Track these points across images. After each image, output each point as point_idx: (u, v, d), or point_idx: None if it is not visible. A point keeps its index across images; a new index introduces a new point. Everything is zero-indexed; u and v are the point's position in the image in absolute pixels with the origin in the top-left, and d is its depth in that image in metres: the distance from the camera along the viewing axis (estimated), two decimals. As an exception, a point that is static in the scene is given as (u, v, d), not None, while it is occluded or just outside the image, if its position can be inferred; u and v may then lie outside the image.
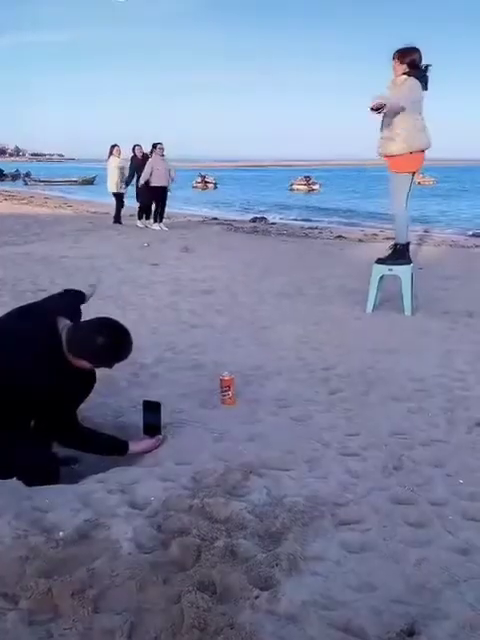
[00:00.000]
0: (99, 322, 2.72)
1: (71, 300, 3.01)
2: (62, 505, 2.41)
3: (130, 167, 13.96)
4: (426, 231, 17.17)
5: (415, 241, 11.71)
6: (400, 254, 5.84)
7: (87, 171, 53.57)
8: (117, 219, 14.42)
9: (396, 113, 5.46)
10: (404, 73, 5.51)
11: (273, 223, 18.88)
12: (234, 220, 18.92)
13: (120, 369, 4.12)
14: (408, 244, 5.89)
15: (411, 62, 5.50)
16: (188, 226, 15.06)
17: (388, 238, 14.37)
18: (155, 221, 13.80)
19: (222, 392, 3.64)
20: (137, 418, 3.35)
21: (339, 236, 14.73)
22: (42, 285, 6.79)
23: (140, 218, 14.12)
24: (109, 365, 2.76)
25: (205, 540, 2.18)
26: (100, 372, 2.83)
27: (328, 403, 3.64)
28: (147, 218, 14.04)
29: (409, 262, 5.87)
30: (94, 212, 19.31)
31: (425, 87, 5.56)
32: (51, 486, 2.58)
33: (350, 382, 4.00)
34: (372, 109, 5.16)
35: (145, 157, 13.69)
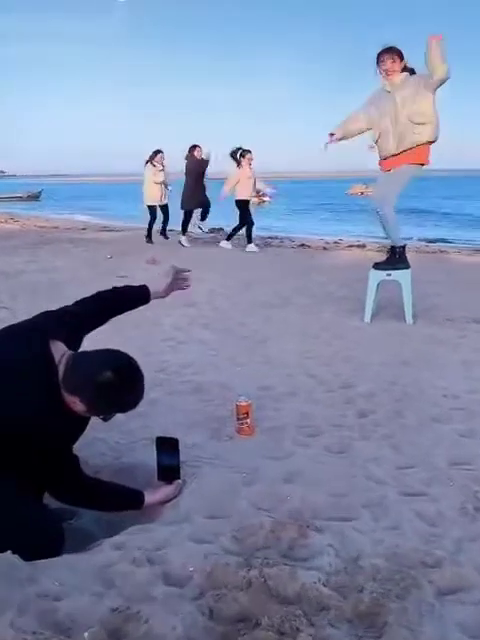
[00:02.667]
0: (110, 354, 2.14)
1: (83, 312, 2.38)
2: (78, 588, 1.83)
3: (186, 170, 11.85)
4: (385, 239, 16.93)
5: (381, 249, 11.34)
6: (398, 258, 5.41)
7: (31, 186, 52.11)
8: (149, 236, 12.38)
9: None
10: (403, 71, 5.10)
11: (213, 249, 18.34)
12: (190, 231, 18.35)
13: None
14: (405, 246, 5.46)
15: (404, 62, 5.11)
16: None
17: (351, 246, 14.10)
18: (239, 238, 11.78)
19: (239, 420, 3.09)
20: (142, 456, 2.82)
21: (302, 244, 14.31)
22: (2, 301, 6.12)
23: (185, 233, 12.18)
24: (106, 411, 2.16)
25: (283, 634, 1.63)
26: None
27: (361, 428, 3.14)
28: (184, 233, 12.13)
29: (408, 266, 5.44)
30: (42, 227, 18.45)
31: None
32: (56, 559, 1.99)
33: (377, 402, 3.50)
34: None
35: (203, 161, 11.91)
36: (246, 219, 11.58)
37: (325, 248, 13.67)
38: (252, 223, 11.70)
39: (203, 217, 12.67)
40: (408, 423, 3.18)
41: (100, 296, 2.45)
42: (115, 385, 2.04)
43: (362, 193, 46.36)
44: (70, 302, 2.45)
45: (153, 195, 12.23)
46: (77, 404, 2.06)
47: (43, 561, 1.95)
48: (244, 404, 3.07)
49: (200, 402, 3.54)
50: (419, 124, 5.06)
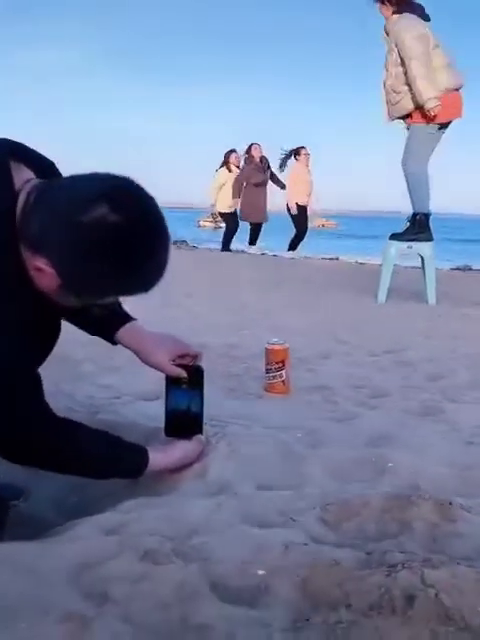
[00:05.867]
0: (105, 179, 1.12)
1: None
2: (41, 608, 0.83)
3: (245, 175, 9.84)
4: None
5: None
6: (420, 226, 4.55)
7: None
8: (227, 246, 10.43)
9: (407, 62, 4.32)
10: (394, 12, 4.39)
11: (195, 246, 17.48)
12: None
13: (79, 347, 2.57)
14: (429, 215, 4.61)
15: None
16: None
17: (324, 258, 13.30)
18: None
19: (269, 372, 2.14)
20: (128, 413, 1.84)
21: (274, 255, 13.49)
22: None
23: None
24: (96, 291, 1.16)
25: None
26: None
27: (442, 391, 2.23)
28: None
29: (432, 238, 4.60)
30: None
31: (427, 18, 4.48)
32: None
33: (445, 366, 2.60)
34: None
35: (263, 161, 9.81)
36: (301, 227, 9.77)
37: (292, 257, 12.88)
38: (304, 233, 9.95)
39: (253, 240, 10.39)
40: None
41: None
42: (116, 232, 1.06)
43: (323, 225, 46.26)
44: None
45: (228, 200, 9.99)
46: (45, 273, 1.09)
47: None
48: (279, 348, 2.13)
49: (204, 360, 2.57)
50: (398, 93, 4.41)
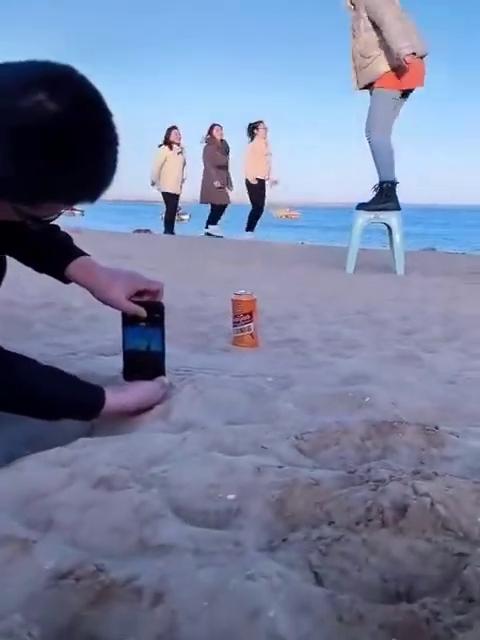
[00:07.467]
0: (45, 66, 0.97)
1: None
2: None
3: (205, 156, 9.66)
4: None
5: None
6: (387, 195, 4.47)
7: None
8: (170, 227, 10.17)
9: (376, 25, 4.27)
10: None
11: (159, 235, 17.29)
12: (115, 232, 17.15)
13: (31, 310, 2.43)
14: (394, 183, 4.53)
15: None
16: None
17: (288, 244, 13.25)
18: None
19: (237, 325, 2.02)
20: (87, 366, 1.71)
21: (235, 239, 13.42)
22: None
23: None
24: (38, 194, 0.98)
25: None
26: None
27: (418, 343, 2.14)
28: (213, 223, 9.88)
29: (399, 207, 4.52)
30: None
31: None
32: None
33: (417, 324, 2.52)
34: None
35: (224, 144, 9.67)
36: (259, 202, 9.46)
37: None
38: (261, 209, 9.68)
39: (214, 220, 9.94)
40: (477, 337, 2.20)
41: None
42: (54, 122, 0.92)
43: (287, 216, 46.32)
44: None
45: (172, 181, 9.71)
46: None
47: None
48: (246, 299, 2.02)
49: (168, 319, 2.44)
50: (368, 57, 4.35)
